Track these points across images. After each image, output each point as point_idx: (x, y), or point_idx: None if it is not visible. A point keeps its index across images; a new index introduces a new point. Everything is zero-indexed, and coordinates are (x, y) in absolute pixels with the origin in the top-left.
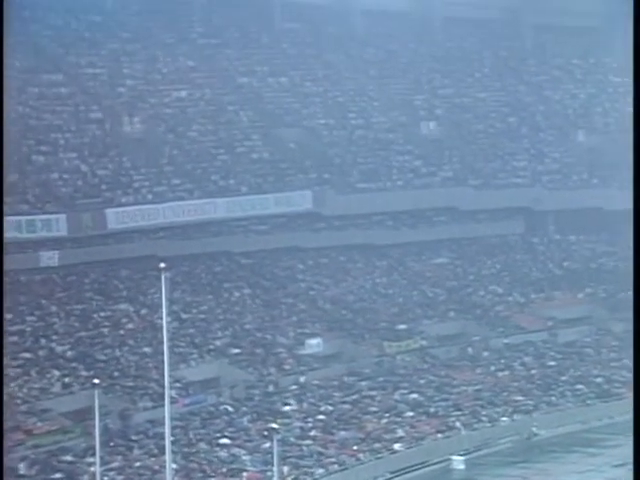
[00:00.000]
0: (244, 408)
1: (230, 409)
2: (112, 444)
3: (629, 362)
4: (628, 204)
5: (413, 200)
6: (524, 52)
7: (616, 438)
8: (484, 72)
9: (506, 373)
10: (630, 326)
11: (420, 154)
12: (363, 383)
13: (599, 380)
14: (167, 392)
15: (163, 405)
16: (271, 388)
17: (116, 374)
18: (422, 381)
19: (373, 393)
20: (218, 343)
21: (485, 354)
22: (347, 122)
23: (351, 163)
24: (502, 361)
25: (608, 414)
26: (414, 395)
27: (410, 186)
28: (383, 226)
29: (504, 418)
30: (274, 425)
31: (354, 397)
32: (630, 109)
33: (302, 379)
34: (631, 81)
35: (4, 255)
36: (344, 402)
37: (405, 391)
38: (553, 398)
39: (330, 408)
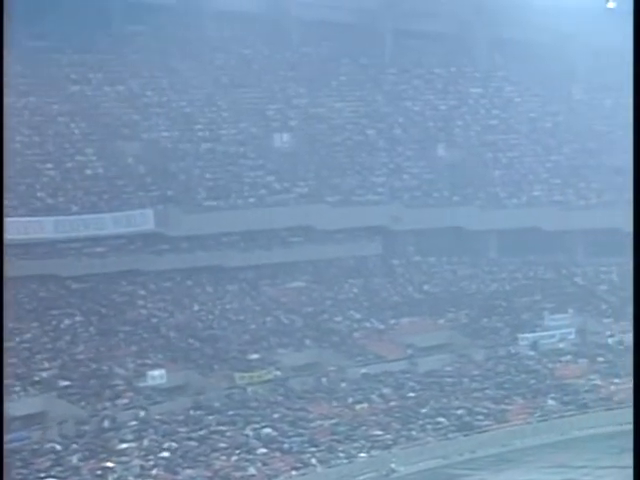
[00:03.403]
0: (74, 445)
1: (58, 447)
2: None
3: (491, 392)
4: (490, 224)
5: (266, 219)
6: (383, 59)
7: (478, 473)
8: (341, 80)
9: (364, 405)
10: (492, 353)
11: (273, 169)
12: (211, 417)
13: (460, 412)
14: None
15: None
16: (107, 424)
17: None
18: (276, 415)
19: (222, 428)
20: (44, 375)
21: (342, 385)
22: (193, 134)
23: (198, 179)
24: (360, 392)
25: (470, 448)
26: (267, 430)
27: (263, 204)
28: (234, 247)
29: (362, 454)
30: (109, 464)
31: (201, 433)
32: (494, 122)
33: (142, 414)
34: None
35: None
36: (190, 438)
37: (257, 426)
38: (413, 432)
39: (174, 445)
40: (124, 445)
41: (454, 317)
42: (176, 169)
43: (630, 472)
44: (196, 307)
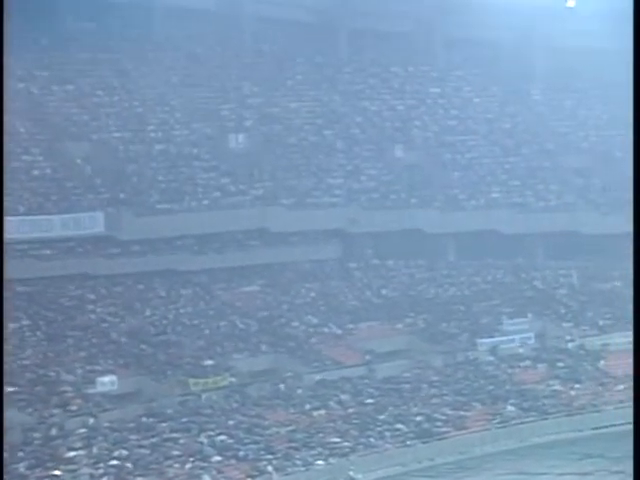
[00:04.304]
0: (20, 453)
1: (3, 455)
2: None
3: (450, 398)
4: (448, 226)
5: (221, 221)
6: (340, 58)
7: None
8: (297, 80)
9: (322, 412)
10: (451, 359)
11: (228, 170)
12: (164, 424)
13: (419, 419)
14: None
15: None
16: (54, 431)
17: None
18: (231, 422)
19: (176, 435)
20: None
21: (299, 391)
22: (145, 135)
23: (150, 181)
24: (317, 399)
25: (428, 456)
26: (222, 437)
27: (217, 206)
28: (188, 250)
29: (320, 462)
30: (57, 472)
31: (153, 440)
32: (452, 122)
33: (92, 421)
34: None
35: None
36: (141, 446)
37: (212, 433)
38: (371, 439)
39: (125, 452)
40: (72, 453)
41: (412, 322)
42: (128, 171)
43: (592, 479)
44: (148, 312)
